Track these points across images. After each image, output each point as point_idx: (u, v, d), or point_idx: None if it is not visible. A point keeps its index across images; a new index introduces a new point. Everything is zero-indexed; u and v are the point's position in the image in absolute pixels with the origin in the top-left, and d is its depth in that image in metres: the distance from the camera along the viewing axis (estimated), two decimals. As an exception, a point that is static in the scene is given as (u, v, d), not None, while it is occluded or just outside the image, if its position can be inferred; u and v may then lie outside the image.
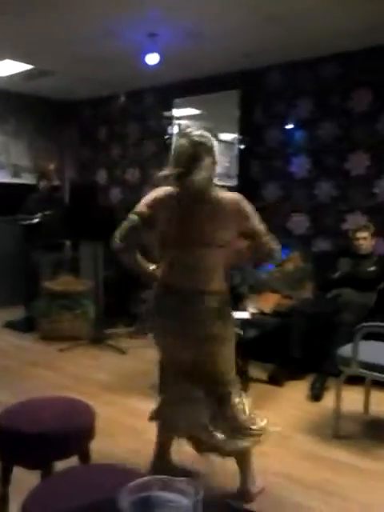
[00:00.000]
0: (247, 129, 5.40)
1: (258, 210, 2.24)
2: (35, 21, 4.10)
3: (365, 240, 4.24)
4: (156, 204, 2.23)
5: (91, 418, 1.91)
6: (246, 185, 5.45)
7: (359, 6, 3.75)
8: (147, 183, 6.32)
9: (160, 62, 4.62)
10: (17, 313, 5.73)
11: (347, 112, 4.78)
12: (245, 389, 3.38)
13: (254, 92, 5.33)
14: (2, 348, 4.88)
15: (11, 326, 5.55)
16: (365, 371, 2.96)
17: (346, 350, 3.03)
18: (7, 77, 5.68)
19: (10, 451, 1.83)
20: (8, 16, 4.00)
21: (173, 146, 2.26)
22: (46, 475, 1.91)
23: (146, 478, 0.89)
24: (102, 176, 6.77)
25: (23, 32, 4.36)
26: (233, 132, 5.75)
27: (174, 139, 2.28)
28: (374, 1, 3.65)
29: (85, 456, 1.91)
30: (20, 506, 1.34)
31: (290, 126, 5.13)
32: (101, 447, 2.21)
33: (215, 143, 2.18)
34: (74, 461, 1.91)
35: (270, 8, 3.81)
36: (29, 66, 5.33)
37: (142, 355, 4.66)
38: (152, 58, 4.56)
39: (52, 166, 6.59)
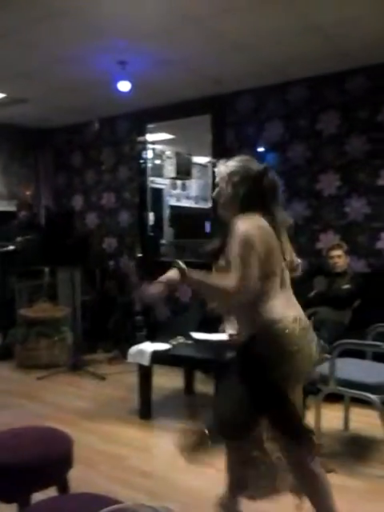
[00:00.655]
0: (220, 152, 5.47)
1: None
2: (5, 49, 4.12)
3: (339, 258, 4.32)
4: None
5: (69, 447, 1.89)
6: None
7: (324, 32, 3.88)
8: (123, 208, 6.35)
9: (131, 88, 4.69)
10: (-7, 342, 5.65)
11: (316, 134, 4.90)
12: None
13: (225, 116, 5.44)
14: (-22, 378, 4.80)
15: (-13, 355, 5.47)
16: (342, 388, 2.99)
17: (323, 369, 3.06)
18: (-20, 105, 5.69)
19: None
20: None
21: None
22: (23, 507, 1.88)
23: (117, 506, 0.89)
24: (78, 202, 6.78)
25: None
26: (206, 155, 5.84)
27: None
28: (339, 28, 3.79)
29: (63, 486, 1.88)
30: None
31: (261, 149, 5.23)
32: (80, 476, 2.19)
33: (222, 169, 2.16)
34: (52, 491, 1.89)
35: (235, 36, 3.92)
36: (1, 95, 5.34)
37: (121, 381, 4.64)
38: (123, 86, 4.63)
39: (28, 193, 6.61)
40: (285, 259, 2.07)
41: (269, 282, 2.01)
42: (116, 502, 1.50)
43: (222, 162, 2.21)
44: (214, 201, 2.29)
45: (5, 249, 5.48)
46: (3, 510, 1.88)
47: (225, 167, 2.16)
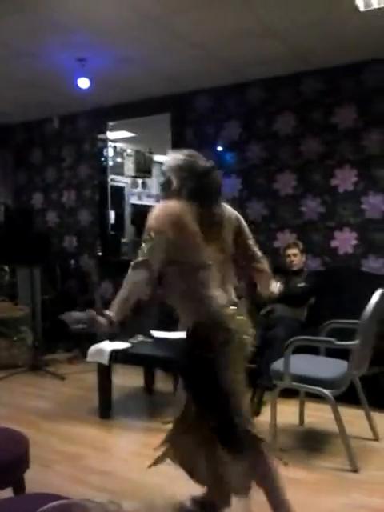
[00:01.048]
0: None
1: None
2: None
3: (295, 256, 4.42)
4: None
5: (25, 448, 1.90)
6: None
7: (280, 35, 3.96)
8: (84, 206, 6.32)
9: (91, 85, 4.67)
10: None
11: (273, 135, 4.99)
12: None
13: (184, 115, 5.47)
14: None
15: None
16: (297, 384, 3.08)
17: (278, 365, 3.14)
18: None
19: None
20: None
21: None
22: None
23: (61, 501, 0.92)
24: (38, 199, 6.69)
25: None
26: (166, 154, 5.86)
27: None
28: (294, 31, 3.88)
29: (19, 486, 1.89)
30: None
31: (220, 148, 5.30)
32: (37, 477, 2.20)
33: (171, 161, 2.23)
34: (8, 492, 1.90)
35: (193, 35, 3.96)
36: None
37: (82, 380, 4.64)
38: (83, 82, 4.60)
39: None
40: (224, 251, 2.19)
41: (205, 272, 2.10)
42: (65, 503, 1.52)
43: (170, 153, 2.28)
44: (162, 190, 2.37)
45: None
46: None
47: (173, 160, 2.23)
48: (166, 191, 2.26)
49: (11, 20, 3.64)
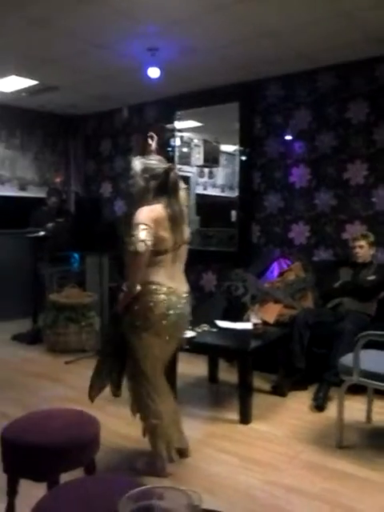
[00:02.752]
0: (247, 140, 5.47)
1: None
2: (37, 37, 4.19)
3: (361, 248, 4.28)
4: None
5: (97, 430, 1.96)
6: (248, 196, 5.53)
7: (355, 18, 3.82)
8: (150, 195, 6.39)
9: (161, 75, 4.71)
10: (24, 325, 5.79)
11: (344, 123, 4.84)
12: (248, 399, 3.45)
13: (253, 104, 5.41)
14: (8, 360, 4.94)
15: (18, 338, 5.62)
16: (366, 380, 2.99)
17: (347, 360, 3.07)
18: (13, 92, 5.78)
19: (17, 463, 1.88)
20: (10, 32, 4.09)
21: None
22: (52, 487, 1.96)
23: (145, 487, 0.94)
24: (106, 188, 6.85)
25: (25, 48, 4.46)
26: (234, 143, 5.83)
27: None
28: (370, 13, 3.73)
29: (90, 467, 1.95)
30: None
31: (289, 137, 5.20)
32: (105, 458, 2.26)
33: (137, 166, 2.68)
34: (79, 472, 1.96)
35: (264, 23, 3.89)
36: (33, 82, 5.43)
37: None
38: (153, 72, 4.65)
39: (58, 180, 6.72)
40: (176, 241, 2.60)
41: (159, 256, 2.57)
42: (141, 484, 1.56)
43: (136, 159, 2.73)
44: (132, 190, 2.77)
45: (36, 234, 5.59)
46: (32, 489, 1.96)
47: (139, 164, 2.68)
48: (135, 191, 2.70)
49: (82, 12, 3.73)
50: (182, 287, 2.72)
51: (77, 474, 1.94)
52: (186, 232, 2.73)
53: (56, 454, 1.79)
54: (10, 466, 1.87)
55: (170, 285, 2.61)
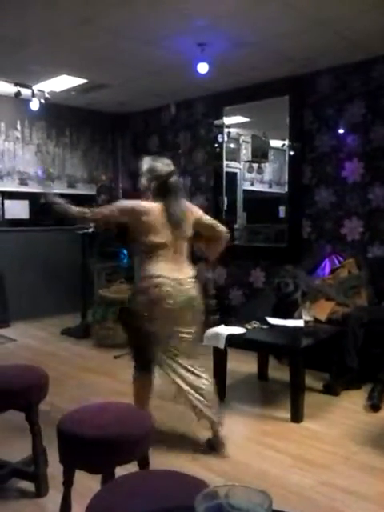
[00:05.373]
0: (297, 134, 5.36)
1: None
2: (86, 35, 4.22)
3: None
4: None
5: (150, 424, 1.94)
6: (298, 191, 5.42)
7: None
8: (199, 191, 6.37)
9: (209, 70, 4.66)
10: (73, 320, 5.89)
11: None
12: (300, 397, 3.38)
13: (303, 97, 5.29)
14: (58, 354, 5.02)
15: (67, 332, 5.72)
16: None
17: None
18: (62, 91, 5.87)
19: (73, 455, 1.89)
20: (62, 32, 4.15)
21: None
22: (107, 479, 1.95)
23: (218, 486, 0.91)
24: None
25: (75, 47, 4.50)
26: (282, 138, 5.73)
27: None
28: None
29: (144, 462, 1.94)
30: (86, 508, 1.38)
31: (341, 131, 5.06)
32: (156, 454, 2.24)
33: (144, 166, 2.99)
34: (132, 467, 1.95)
35: (316, 13, 3.79)
36: (83, 80, 5.49)
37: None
38: (202, 68, 4.61)
39: (104, 177, 6.80)
40: (175, 237, 2.89)
41: (158, 250, 2.87)
42: (197, 480, 1.53)
43: (146, 159, 3.03)
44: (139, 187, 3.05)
45: (85, 231, 5.67)
46: (87, 480, 1.96)
47: (146, 164, 2.98)
48: (141, 188, 3.00)
49: (132, 10, 3.72)
50: (186, 274, 2.93)
51: (129, 468, 1.93)
52: (187, 230, 2.96)
53: (111, 447, 1.78)
54: (65, 457, 1.88)
55: (173, 275, 2.85)
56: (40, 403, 2.53)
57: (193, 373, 2.96)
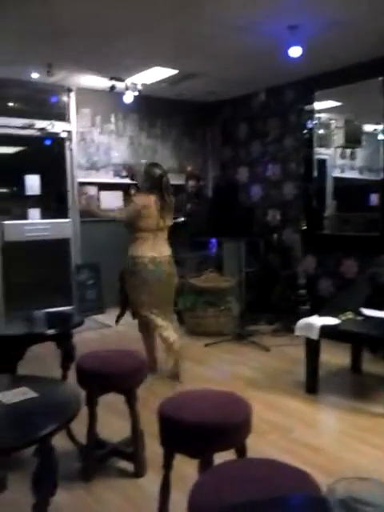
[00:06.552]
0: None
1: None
2: (177, 26, 4.25)
3: None
4: None
5: (249, 413, 1.95)
6: (394, 177, 5.17)
7: None
8: (288, 179, 6.27)
9: (301, 54, 4.54)
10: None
11: None
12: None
13: (400, 78, 5.03)
14: (151, 340, 5.16)
15: (159, 320, 5.86)
16: None
17: None
18: (153, 83, 5.98)
19: (174, 438, 1.94)
20: (154, 24, 4.21)
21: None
22: (205, 465, 1.99)
23: (346, 478, 0.90)
24: (243, 174, 6.85)
25: (169, 37, 4.55)
26: (375, 123, 5.50)
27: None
28: None
29: (242, 450, 1.96)
30: (190, 491, 1.42)
31: None
32: (250, 442, 2.25)
33: (141, 168, 4.25)
34: (227, 454, 1.96)
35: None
36: (174, 71, 5.56)
37: (285, 353, 4.66)
38: (294, 51, 4.50)
39: (190, 168, 6.88)
40: (160, 224, 3.99)
41: (143, 233, 3.94)
42: (299, 471, 1.52)
43: (145, 164, 4.33)
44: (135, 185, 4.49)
45: (175, 220, 5.75)
46: (183, 466, 2.01)
47: (139, 167, 4.22)
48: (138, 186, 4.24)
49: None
50: (162, 253, 3.99)
51: (224, 455, 1.95)
52: (170, 218, 4.07)
53: (211, 432, 1.81)
54: (166, 440, 1.94)
55: (151, 254, 3.93)
56: (139, 387, 2.63)
57: (166, 328, 4.02)
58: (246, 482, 1.38)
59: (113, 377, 2.51)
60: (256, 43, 4.68)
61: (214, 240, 6.23)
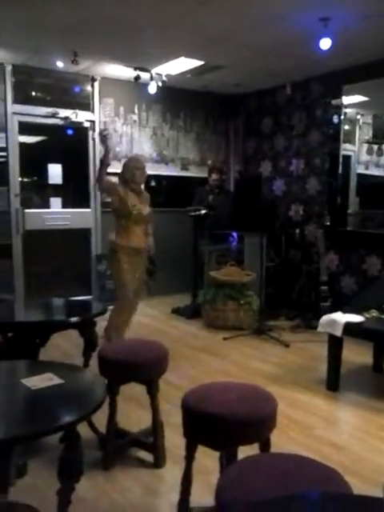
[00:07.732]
0: None
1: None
2: (204, 16, 4.19)
3: None
4: None
5: (274, 407, 1.92)
6: None
7: None
8: (312, 174, 6.19)
9: (330, 47, 4.46)
10: (183, 300, 6.02)
11: None
12: None
13: None
14: (169, 332, 5.16)
15: (178, 311, 5.86)
16: None
17: None
18: (178, 74, 5.93)
19: (197, 430, 1.92)
20: (182, 14, 4.16)
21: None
22: (229, 458, 1.97)
23: None
24: (266, 167, 6.78)
25: (195, 28, 4.50)
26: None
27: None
28: None
29: (266, 444, 1.93)
30: (217, 483, 1.39)
31: None
32: (272, 438, 2.22)
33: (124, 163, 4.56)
34: (249, 449, 1.93)
35: None
36: (200, 62, 5.50)
37: (305, 350, 4.62)
38: (325, 43, 4.42)
39: (210, 161, 6.84)
40: (141, 212, 4.33)
41: (123, 221, 4.30)
42: (327, 467, 1.48)
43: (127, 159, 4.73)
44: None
45: (197, 212, 5.73)
46: (203, 459, 1.99)
47: (125, 162, 4.52)
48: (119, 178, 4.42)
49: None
50: (139, 244, 4.34)
51: (245, 449, 1.92)
52: (147, 210, 4.41)
53: (238, 424, 1.78)
54: (189, 431, 1.92)
55: (129, 243, 4.28)
56: (160, 378, 2.62)
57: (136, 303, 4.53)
58: (274, 476, 1.35)
59: (136, 366, 2.49)
60: (285, 35, 4.61)
61: (235, 233, 6.19)
